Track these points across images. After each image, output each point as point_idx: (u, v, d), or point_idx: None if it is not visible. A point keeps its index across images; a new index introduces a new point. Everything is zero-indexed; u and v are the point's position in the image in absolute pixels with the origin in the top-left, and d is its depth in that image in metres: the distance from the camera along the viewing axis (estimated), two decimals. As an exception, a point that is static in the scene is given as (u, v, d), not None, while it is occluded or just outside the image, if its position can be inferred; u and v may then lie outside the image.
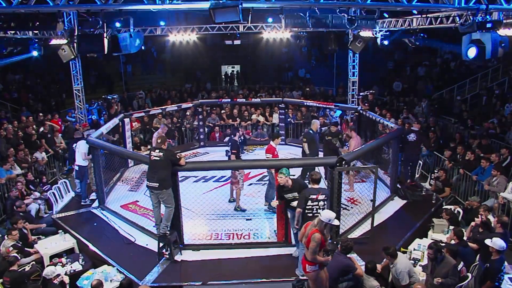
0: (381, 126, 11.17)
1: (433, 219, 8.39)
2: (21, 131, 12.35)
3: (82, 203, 9.72)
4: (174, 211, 7.35)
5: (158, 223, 7.49)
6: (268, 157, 8.61)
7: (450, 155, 11.11)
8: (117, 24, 9.51)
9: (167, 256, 7.34)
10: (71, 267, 7.40)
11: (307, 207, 6.64)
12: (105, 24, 7.82)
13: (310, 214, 6.59)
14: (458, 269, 6.48)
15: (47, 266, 7.27)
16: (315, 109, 15.34)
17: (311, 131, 10.17)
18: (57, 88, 19.34)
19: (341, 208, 7.96)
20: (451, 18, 8.27)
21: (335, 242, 7.14)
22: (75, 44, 12.54)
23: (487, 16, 6.10)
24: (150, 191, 7.31)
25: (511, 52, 7.67)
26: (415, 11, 9.45)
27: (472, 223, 7.76)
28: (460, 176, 10.41)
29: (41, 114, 14.25)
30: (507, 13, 7.00)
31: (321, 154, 10.26)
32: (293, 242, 7.63)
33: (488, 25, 5.97)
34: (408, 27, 10.10)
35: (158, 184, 7.02)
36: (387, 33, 12.08)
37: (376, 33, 11.92)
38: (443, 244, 6.71)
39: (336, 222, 5.81)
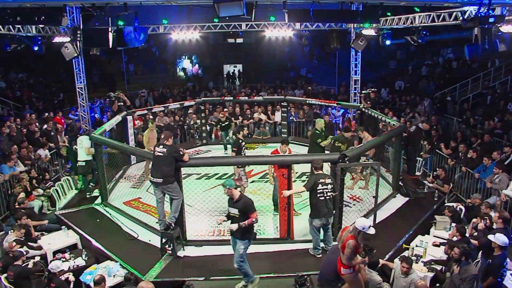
0: (382, 124, 11.19)
1: (435, 216, 8.41)
2: (24, 129, 12.40)
3: (88, 196, 9.93)
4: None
5: (161, 219, 7.53)
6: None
7: (450, 153, 11.11)
8: (120, 23, 9.57)
9: (170, 252, 7.37)
10: (74, 262, 7.44)
11: (318, 190, 6.91)
12: (109, 18, 7.86)
13: (322, 198, 6.94)
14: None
15: (52, 260, 7.29)
16: (317, 107, 15.34)
17: (317, 131, 10.00)
18: (58, 87, 19.36)
19: (343, 205, 8.00)
20: (453, 15, 8.27)
21: None
22: (78, 42, 12.67)
23: (490, 11, 6.10)
24: (154, 186, 7.34)
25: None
26: (417, 9, 9.49)
27: (474, 220, 7.76)
28: (462, 174, 10.41)
29: (46, 114, 14.30)
30: (510, 8, 6.96)
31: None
32: (296, 238, 7.68)
33: (491, 20, 5.98)
34: (411, 25, 10.09)
35: (162, 180, 7.05)
36: (390, 31, 12.09)
37: (378, 31, 11.95)
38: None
39: (371, 231, 5.68)
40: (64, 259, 7.47)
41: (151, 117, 13.24)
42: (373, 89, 11.70)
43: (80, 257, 7.59)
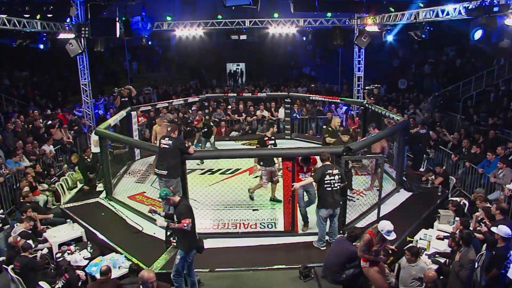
0: (387, 119, 11.20)
1: (439, 210, 8.41)
2: (29, 125, 12.48)
3: (97, 183, 10.13)
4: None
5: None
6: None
7: (455, 148, 11.15)
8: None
9: (175, 244, 7.37)
10: (80, 254, 7.48)
11: (325, 181, 6.94)
12: (117, 8, 7.89)
13: (329, 189, 6.97)
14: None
15: (72, 253, 7.37)
16: (320, 105, 15.38)
17: (329, 128, 9.90)
18: (62, 85, 19.44)
19: (347, 199, 8.03)
20: (457, 10, 8.28)
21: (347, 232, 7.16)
22: (82, 39, 12.77)
23: (494, 0, 6.11)
24: (159, 179, 7.38)
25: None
26: (421, 4, 9.50)
27: (477, 214, 7.77)
28: (465, 170, 10.44)
29: (49, 111, 14.37)
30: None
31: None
32: (300, 231, 7.71)
33: (495, 9, 5.99)
34: (414, 20, 10.10)
35: (166, 172, 7.08)
36: (393, 27, 12.11)
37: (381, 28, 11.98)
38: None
39: (390, 236, 5.80)
40: (69, 251, 7.52)
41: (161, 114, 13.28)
42: (376, 85, 11.70)
43: (85, 249, 7.63)
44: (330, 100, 14.02)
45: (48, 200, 10.26)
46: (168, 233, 7.39)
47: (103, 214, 8.92)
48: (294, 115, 14.49)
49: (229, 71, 23.93)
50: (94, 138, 9.79)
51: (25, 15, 10.50)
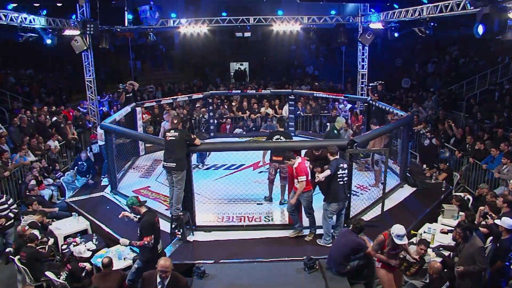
0: (390, 115, 11.23)
1: (443, 205, 8.43)
2: (33, 120, 12.56)
3: (102, 178, 10.21)
4: (186, 193, 7.45)
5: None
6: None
7: (458, 144, 11.17)
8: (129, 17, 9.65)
9: (180, 236, 7.46)
10: (85, 246, 7.52)
11: (338, 175, 6.99)
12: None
13: (341, 182, 7.04)
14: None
15: (77, 245, 7.40)
16: (324, 103, 15.41)
17: (335, 131, 9.58)
18: (65, 84, 19.53)
19: (351, 194, 8.04)
20: (461, 5, 8.30)
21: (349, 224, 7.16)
22: (87, 36, 12.85)
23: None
24: (167, 172, 7.43)
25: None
26: (425, 0, 9.53)
27: (481, 208, 7.77)
28: (469, 166, 10.44)
29: (54, 108, 14.44)
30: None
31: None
32: (305, 224, 7.73)
33: (500, -2, 6.01)
34: (419, 16, 10.13)
35: (175, 164, 7.11)
36: (397, 24, 12.13)
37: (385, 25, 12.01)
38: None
39: (399, 240, 5.81)
40: (75, 243, 7.57)
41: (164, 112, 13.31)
42: (380, 82, 11.72)
43: (90, 241, 7.67)
44: (334, 96, 14.02)
45: (53, 194, 10.33)
46: (173, 225, 7.49)
47: (108, 207, 8.98)
48: (298, 112, 14.52)
49: (235, 70, 23.97)
50: (99, 131, 9.86)
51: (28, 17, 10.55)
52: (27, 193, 9.15)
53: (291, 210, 7.46)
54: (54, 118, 12.98)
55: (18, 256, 6.80)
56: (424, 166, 10.57)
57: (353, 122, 13.38)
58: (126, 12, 7.88)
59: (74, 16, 12.95)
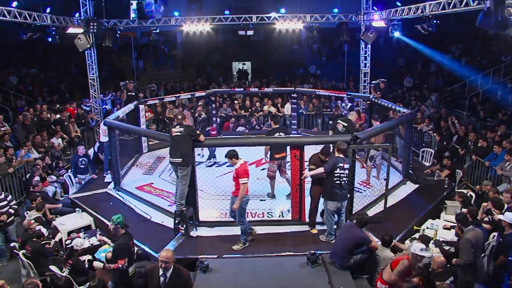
0: (392, 112, 11.25)
1: (445, 201, 8.45)
2: (37, 118, 12.61)
3: (104, 175, 10.28)
4: (189, 189, 7.48)
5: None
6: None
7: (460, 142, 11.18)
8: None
9: (183, 231, 7.48)
10: (89, 241, 7.56)
11: (335, 174, 6.90)
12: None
13: (338, 182, 6.94)
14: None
15: (73, 238, 7.43)
16: (327, 101, 15.43)
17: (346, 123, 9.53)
18: (68, 83, 19.59)
19: (354, 191, 8.06)
20: (464, 2, 8.30)
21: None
22: (91, 34, 12.91)
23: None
24: (173, 168, 7.46)
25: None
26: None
27: (484, 204, 7.77)
28: (472, 163, 10.44)
29: (58, 105, 14.50)
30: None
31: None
32: (307, 220, 7.73)
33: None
34: (421, 14, 10.13)
35: (181, 159, 7.15)
36: (399, 22, 12.13)
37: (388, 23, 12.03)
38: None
39: (428, 253, 5.61)
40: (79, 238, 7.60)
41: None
42: (382, 80, 11.74)
43: (94, 236, 7.70)
44: (336, 94, 14.04)
45: (56, 191, 10.38)
46: (177, 220, 7.52)
47: (111, 203, 9.02)
48: (300, 110, 14.54)
49: (238, 70, 24.00)
50: (103, 127, 9.90)
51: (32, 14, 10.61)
52: (31, 189, 9.20)
53: (233, 215, 7.23)
54: (58, 116, 13.02)
55: (23, 251, 6.84)
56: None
57: (355, 121, 13.37)
58: (131, 5, 7.91)
59: (77, 14, 13.00)
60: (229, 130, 14.42)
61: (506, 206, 7.13)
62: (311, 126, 14.76)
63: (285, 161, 8.57)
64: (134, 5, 8.20)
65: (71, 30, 12.68)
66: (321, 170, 7.06)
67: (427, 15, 10.05)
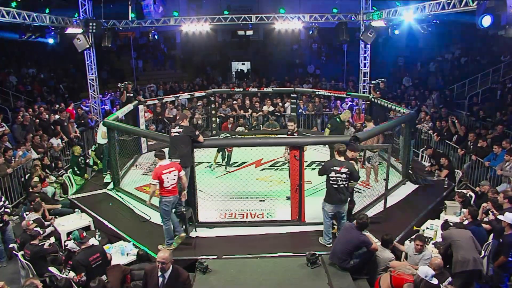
0: (392, 112, 11.23)
1: (445, 201, 8.43)
2: (36, 118, 12.59)
3: (104, 175, 10.27)
4: (189, 190, 7.45)
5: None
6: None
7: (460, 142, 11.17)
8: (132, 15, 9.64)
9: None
10: (88, 242, 7.53)
11: (331, 178, 6.79)
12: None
13: (336, 185, 6.80)
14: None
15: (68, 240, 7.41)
16: (326, 101, 15.42)
17: (337, 119, 9.75)
18: (67, 83, 19.57)
19: (354, 191, 8.04)
20: (464, 1, 8.30)
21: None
22: (89, 34, 12.90)
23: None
24: None
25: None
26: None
27: (484, 204, 7.78)
28: (471, 163, 10.43)
29: (57, 105, 14.48)
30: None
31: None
32: (307, 220, 7.71)
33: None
34: (421, 14, 10.12)
35: (180, 160, 7.13)
36: (399, 22, 12.12)
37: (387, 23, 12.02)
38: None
39: (434, 281, 5.26)
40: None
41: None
42: (382, 79, 11.73)
43: (93, 237, 7.67)
44: (336, 94, 14.03)
45: (55, 192, 10.35)
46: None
47: (110, 204, 9.01)
48: (300, 110, 14.53)
49: (237, 70, 23.99)
50: (102, 129, 9.88)
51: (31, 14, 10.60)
52: (30, 190, 9.18)
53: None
54: (57, 116, 13.00)
55: (21, 252, 6.82)
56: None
57: (355, 121, 13.38)
58: (129, 6, 7.90)
59: (76, 15, 12.99)
60: (228, 130, 14.38)
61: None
62: (311, 126, 14.74)
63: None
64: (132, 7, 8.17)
65: (70, 30, 12.68)
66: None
67: (426, 15, 10.04)
